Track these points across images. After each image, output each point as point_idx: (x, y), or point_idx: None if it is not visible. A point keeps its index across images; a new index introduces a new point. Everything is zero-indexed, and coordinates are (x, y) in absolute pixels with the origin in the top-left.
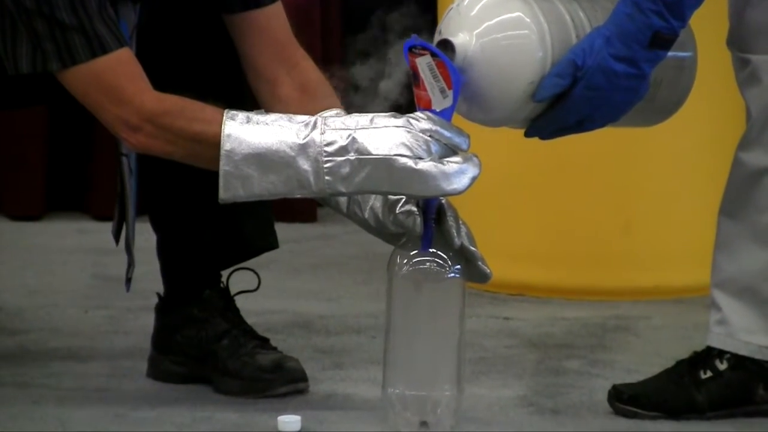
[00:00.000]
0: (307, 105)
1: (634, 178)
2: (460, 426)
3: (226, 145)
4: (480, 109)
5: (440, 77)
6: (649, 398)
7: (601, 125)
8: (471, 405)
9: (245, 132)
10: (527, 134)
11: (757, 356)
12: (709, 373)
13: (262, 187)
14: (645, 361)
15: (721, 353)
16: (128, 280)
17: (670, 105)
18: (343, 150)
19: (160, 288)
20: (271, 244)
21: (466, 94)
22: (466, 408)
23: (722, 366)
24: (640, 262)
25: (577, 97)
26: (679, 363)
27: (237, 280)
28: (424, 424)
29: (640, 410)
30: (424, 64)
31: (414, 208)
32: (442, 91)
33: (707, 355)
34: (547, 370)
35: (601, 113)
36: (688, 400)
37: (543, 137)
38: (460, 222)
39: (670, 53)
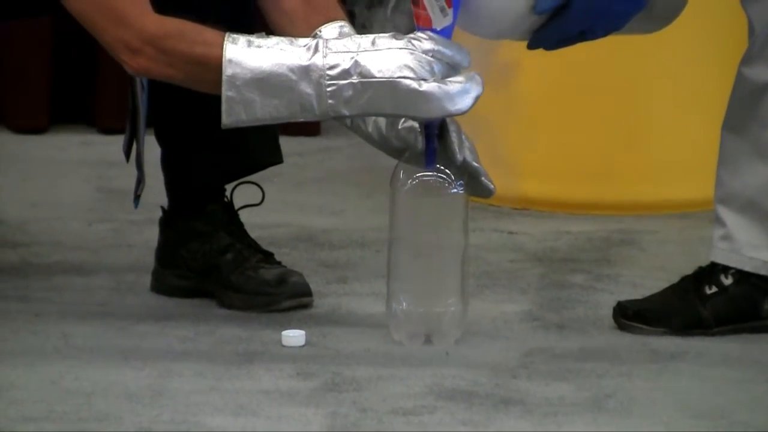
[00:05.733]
0: (311, 17)
1: (640, 91)
2: (464, 340)
3: (228, 71)
4: (481, 22)
5: None
6: (653, 314)
7: (603, 35)
8: (475, 319)
9: (247, 56)
10: (530, 46)
11: (762, 272)
12: (714, 289)
13: (265, 111)
14: (650, 275)
15: (725, 268)
16: (137, 197)
17: (668, 12)
18: (346, 73)
19: (164, 201)
20: (276, 158)
21: (466, 7)
22: (471, 322)
23: (727, 281)
24: (646, 175)
25: (578, 9)
26: (684, 278)
27: (241, 194)
28: (428, 338)
29: (644, 326)
30: None
31: (416, 124)
32: (442, 10)
33: (712, 271)
34: (552, 284)
35: (602, 24)
36: (694, 316)
37: (546, 48)
38: (463, 137)
39: None
